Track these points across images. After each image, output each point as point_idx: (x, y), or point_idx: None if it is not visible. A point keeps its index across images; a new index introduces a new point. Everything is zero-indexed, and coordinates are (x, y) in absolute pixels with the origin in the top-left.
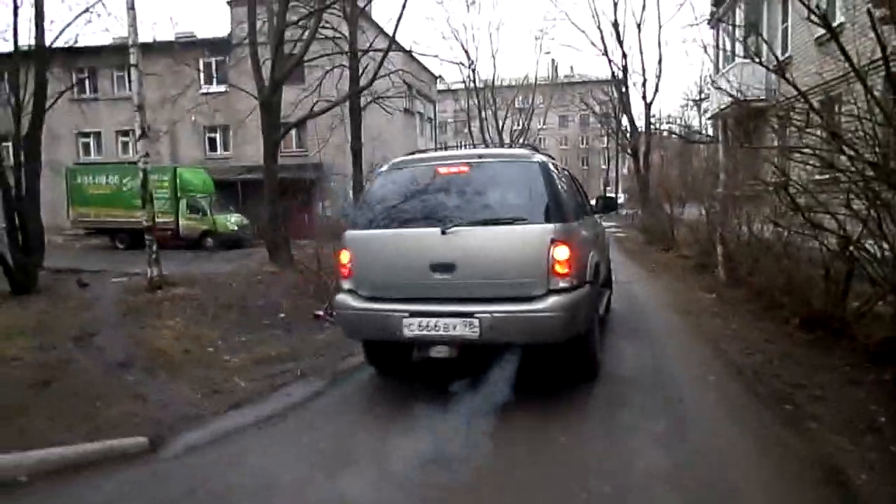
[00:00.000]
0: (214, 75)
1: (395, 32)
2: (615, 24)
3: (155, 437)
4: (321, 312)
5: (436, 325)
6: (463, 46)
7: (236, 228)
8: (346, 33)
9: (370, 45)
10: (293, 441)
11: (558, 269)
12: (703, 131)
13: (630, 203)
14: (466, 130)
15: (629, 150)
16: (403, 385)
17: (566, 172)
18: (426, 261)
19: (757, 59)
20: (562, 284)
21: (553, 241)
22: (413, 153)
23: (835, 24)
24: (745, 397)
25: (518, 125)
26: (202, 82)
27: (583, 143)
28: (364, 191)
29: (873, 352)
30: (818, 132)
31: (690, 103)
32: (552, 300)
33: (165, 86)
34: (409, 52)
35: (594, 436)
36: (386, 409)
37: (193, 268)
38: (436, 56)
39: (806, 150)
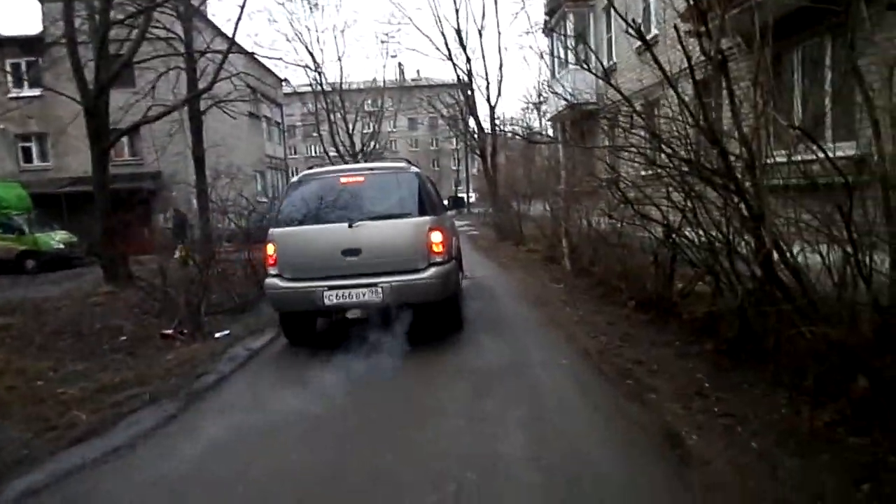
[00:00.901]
0: (25, 78)
1: (234, 33)
2: (458, 31)
3: None
4: (170, 331)
5: (349, 294)
6: (308, 49)
7: (62, 247)
8: (181, 33)
9: (208, 46)
10: (146, 472)
11: (434, 248)
12: (543, 132)
13: (480, 202)
14: (315, 134)
15: (477, 151)
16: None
17: (429, 179)
18: (338, 248)
19: (585, 66)
20: (437, 259)
21: (430, 229)
22: (314, 167)
23: (649, 37)
24: (592, 375)
25: (368, 128)
26: (10, 85)
27: (433, 145)
28: (281, 196)
29: (697, 327)
30: (641, 132)
31: (531, 106)
32: (432, 270)
33: None
34: (251, 54)
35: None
36: (252, 416)
37: (11, 294)
38: (280, 59)
39: (631, 149)
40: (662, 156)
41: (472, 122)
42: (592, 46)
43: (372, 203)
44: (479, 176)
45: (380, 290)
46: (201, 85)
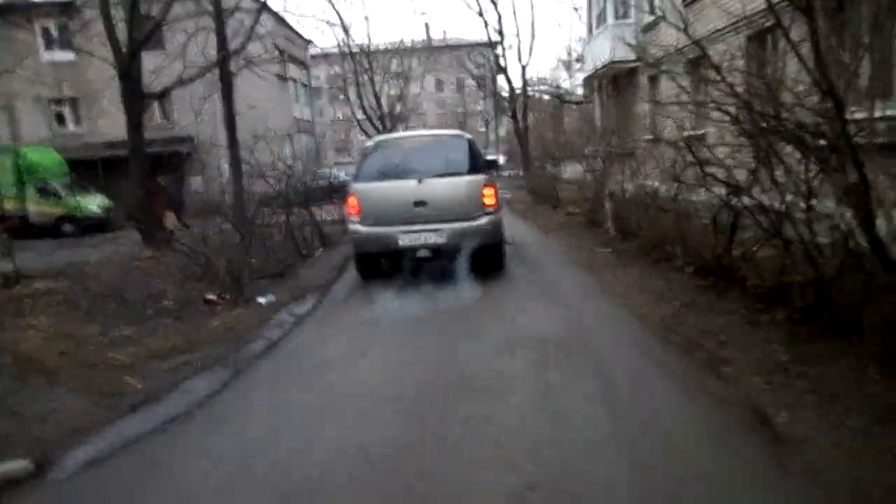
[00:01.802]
0: (57, 41)
1: None
2: None
3: (41, 458)
4: (213, 296)
5: (419, 237)
6: (335, 7)
7: (99, 211)
8: None
9: (237, 4)
10: (207, 442)
11: (487, 200)
12: (573, 93)
13: (510, 164)
14: (342, 97)
15: (508, 113)
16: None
17: (476, 144)
18: (409, 200)
19: (660, 14)
20: (489, 210)
21: (484, 185)
22: (387, 134)
23: None
24: (659, 345)
25: (396, 91)
26: (43, 49)
27: (460, 107)
28: (360, 158)
29: (762, 295)
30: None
31: (562, 64)
32: (485, 218)
33: None
34: (279, 16)
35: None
36: (305, 392)
37: (55, 258)
38: (312, 16)
39: (711, 105)
40: (732, 111)
41: (502, 81)
42: (633, 0)
43: (435, 163)
44: (507, 138)
45: (444, 233)
46: (233, 45)
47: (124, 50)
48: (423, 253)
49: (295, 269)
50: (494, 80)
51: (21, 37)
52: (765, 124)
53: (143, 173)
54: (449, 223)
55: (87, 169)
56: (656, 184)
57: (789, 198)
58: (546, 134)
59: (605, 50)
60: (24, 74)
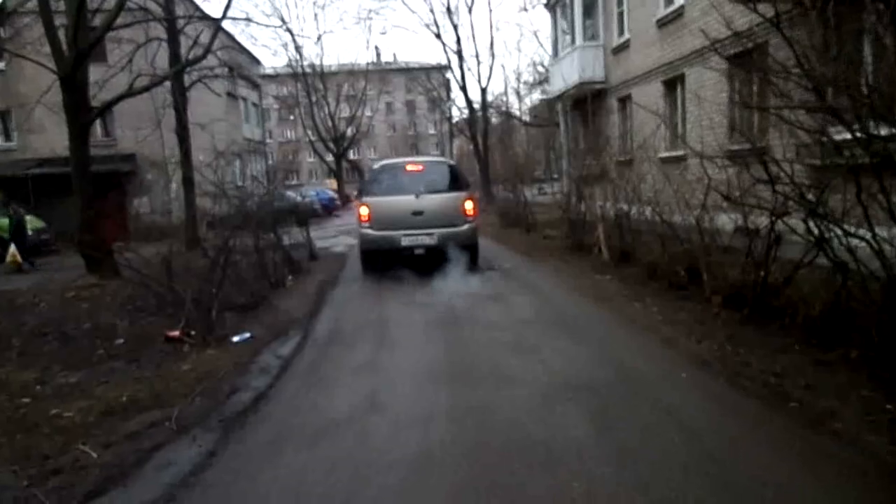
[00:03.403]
0: None
1: (227, 7)
2: (448, 7)
3: None
4: (176, 333)
5: (416, 239)
6: (287, 28)
7: (30, 233)
8: (157, 8)
9: (188, 20)
10: None
11: (468, 212)
12: (529, 115)
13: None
14: (291, 117)
15: (467, 133)
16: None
17: (457, 167)
18: (409, 210)
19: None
20: (469, 219)
21: (465, 199)
22: (387, 159)
23: (674, 7)
24: (734, 393)
25: (348, 112)
26: None
27: (411, 130)
28: (367, 177)
29: (811, 326)
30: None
31: (514, 89)
32: (466, 225)
33: None
34: (229, 33)
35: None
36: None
37: None
38: (277, 26)
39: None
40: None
41: (461, 103)
42: (601, 22)
43: (428, 182)
44: (458, 160)
45: (435, 236)
46: (191, 56)
47: (67, 53)
48: (418, 251)
49: (267, 300)
50: (449, 103)
51: None
52: (849, 137)
53: (89, 192)
54: (439, 228)
55: (18, 188)
56: (643, 207)
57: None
58: (506, 155)
59: (571, 71)
60: None
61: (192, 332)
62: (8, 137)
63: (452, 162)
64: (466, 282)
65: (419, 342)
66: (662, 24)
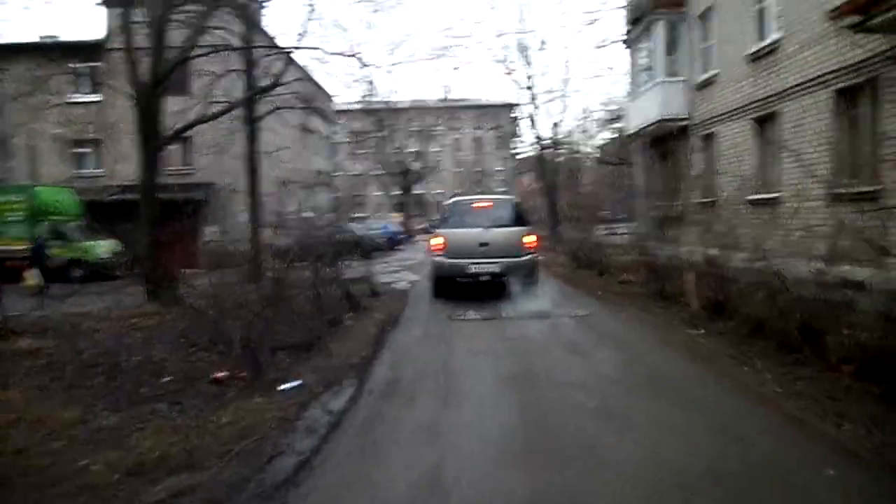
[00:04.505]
0: (84, 83)
1: (303, 34)
2: (521, 44)
3: None
4: (222, 374)
5: (483, 267)
6: (361, 61)
7: (109, 256)
8: (237, 32)
9: (266, 55)
10: None
11: (528, 244)
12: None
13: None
14: (361, 151)
15: (534, 171)
16: None
17: (521, 204)
18: (477, 241)
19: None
20: (529, 250)
21: (526, 233)
22: (460, 195)
23: (766, 42)
24: None
25: (416, 147)
26: (71, 91)
27: (477, 166)
28: (442, 211)
29: None
30: None
31: (595, 124)
32: (527, 256)
33: (23, 92)
34: (303, 68)
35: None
36: None
37: (54, 306)
38: (346, 54)
39: None
40: None
41: (528, 139)
42: (686, 57)
43: (494, 217)
44: (522, 197)
45: (499, 265)
46: (263, 84)
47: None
48: (484, 277)
49: (322, 341)
50: (516, 139)
51: (51, 77)
52: None
53: (154, 218)
54: (503, 259)
55: (103, 212)
56: (738, 253)
57: None
58: (575, 193)
59: (651, 107)
60: (50, 115)
61: (241, 374)
62: (98, 165)
63: (517, 199)
64: (539, 330)
65: (489, 403)
66: (754, 59)
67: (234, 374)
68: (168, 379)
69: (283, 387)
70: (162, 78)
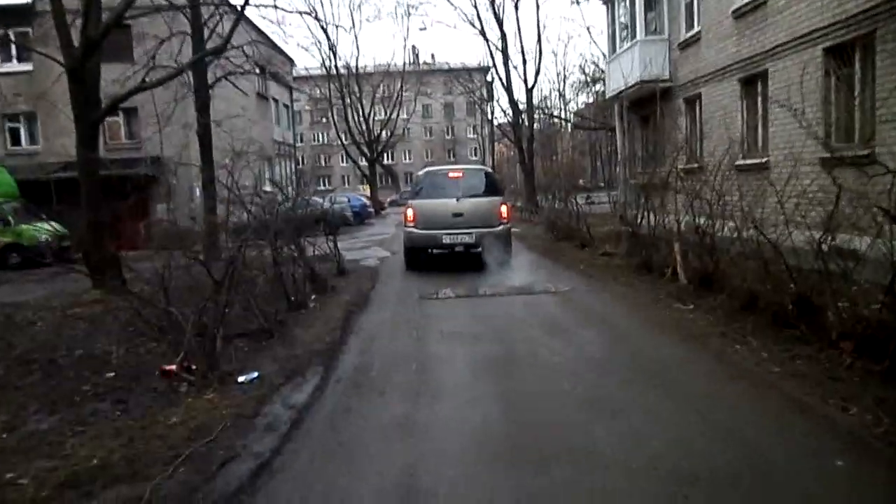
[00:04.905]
0: (13, 51)
1: None
2: (492, 1)
3: None
4: (173, 366)
5: (456, 238)
6: (322, 25)
7: (49, 240)
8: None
9: (216, 11)
10: None
11: (503, 214)
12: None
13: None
14: (324, 120)
15: (509, 138)
16: None
17: (493, 174)
18: (450, 212)
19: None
20: (503, 221)
21: (500, 203)
22: (432, 165)
23: None
24: None
25: (383, 115)
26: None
27: (448, 134)
28: (414, 182)
29: None
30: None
31: (570, 88)
32: (501, 227)
33: None
34: (261, 30)
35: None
36: None
37: None
38: (303, 12)
39: None
40: None
41: (504, 104)
42: (666, 14)
43: (467, 187)
44: (497, 166)
45: (473, 235)
46: (211, 46)
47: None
48: (458, 248)
49: (285, 326)
50: (491, 105)
51: None
52: None
53: (94, 197)
54: (477, 228)
55: (43, 192)
56: (728, 221)
57: None
58: (551, 161)
59: (631, 68)
60: None
61: (192, 367)
62: (33, 140)
63: (489, 169)
64: (518, 308)
65: (466, 393)
66: (740, 14)
67: (186, 366)
68: (112, 375)
69: (240, 379)
70: (96, 42)
